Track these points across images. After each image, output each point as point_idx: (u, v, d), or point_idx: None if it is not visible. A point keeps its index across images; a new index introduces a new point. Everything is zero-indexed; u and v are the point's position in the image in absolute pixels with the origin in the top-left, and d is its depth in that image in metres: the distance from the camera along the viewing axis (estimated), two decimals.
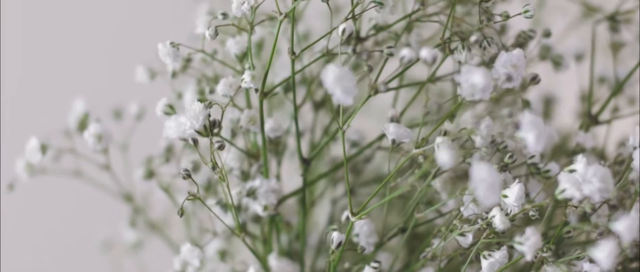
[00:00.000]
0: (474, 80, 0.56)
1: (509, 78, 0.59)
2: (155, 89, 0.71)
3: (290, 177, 0.75)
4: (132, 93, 0.77)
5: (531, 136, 0.55)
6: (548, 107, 0.84)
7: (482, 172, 0.53)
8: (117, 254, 0.90)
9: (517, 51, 0.60)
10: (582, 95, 0.80)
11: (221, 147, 0.64)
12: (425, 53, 0.57)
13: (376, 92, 0.59)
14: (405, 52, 0.58)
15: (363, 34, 0.66)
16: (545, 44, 0.70)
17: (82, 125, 0.73)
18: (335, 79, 0.55)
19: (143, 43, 0.78)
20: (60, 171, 0.76)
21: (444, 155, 0.54)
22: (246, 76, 0.63)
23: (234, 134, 0.69)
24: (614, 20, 0.74)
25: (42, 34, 1.27)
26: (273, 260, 0.70)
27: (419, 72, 0.72)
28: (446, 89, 0.79)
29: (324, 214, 0.79)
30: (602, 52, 0.77)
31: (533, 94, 0.78)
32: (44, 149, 0.72)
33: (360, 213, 0.62)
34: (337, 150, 0.77)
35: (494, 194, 0.53)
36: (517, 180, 0.60)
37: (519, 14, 0.63)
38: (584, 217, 0.62)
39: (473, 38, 0.62)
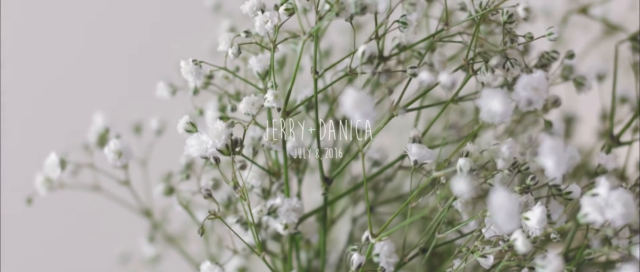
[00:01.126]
0: (492, 106, 0.55)
1: (530, 102, 0.58)
2: (175, 104, 0.71)
3: (310, 192, 0.74)
4: (152, 108, 0.77)
5: (550, 162, 0.54)
6: (569, 126, 0.83)
7: (500, 199, 0.53)
8: (134, 267, 0.90)
9: (538, 73, 0.59)
10: (603, 114, 0.80)
11: (243, 167, 0.64)
12: (444, 78, 0.57)
13: (397, 114, 0.59)
14: (425, 76, 0.57)
15: (386, 52, 0.66)
16: (568, 65, 0.70)
17: (102, 140, 0.73)
18: (354, 104, 0.54)
19: (164, 58, 0.78)
20: (79, 186, 0.76)
21: (460, 184, 0.53)
22: (269, 95, 0.62)
23: (255, 151, 0.69)
24: (636, 41, 0.73)
25: (63, 49, 1.27)
26: None
27: (442, 90, 0.72)
28: (468, 107, 0.79)
29: (343, 232, 0.78)
30: (623, 72, 0.77)
31: (554, 113, 0.77)
32: (63, 164, 0.71)
33: (380, 235, 0.61)
34: (358, 168, 0.76)
35: (512, 221, 0.53)
36: (539, 202, 0.59)
37: (543, 36, 0.62)
38: (605, 240, 0.61)
39: (495, 61, 0.61)
